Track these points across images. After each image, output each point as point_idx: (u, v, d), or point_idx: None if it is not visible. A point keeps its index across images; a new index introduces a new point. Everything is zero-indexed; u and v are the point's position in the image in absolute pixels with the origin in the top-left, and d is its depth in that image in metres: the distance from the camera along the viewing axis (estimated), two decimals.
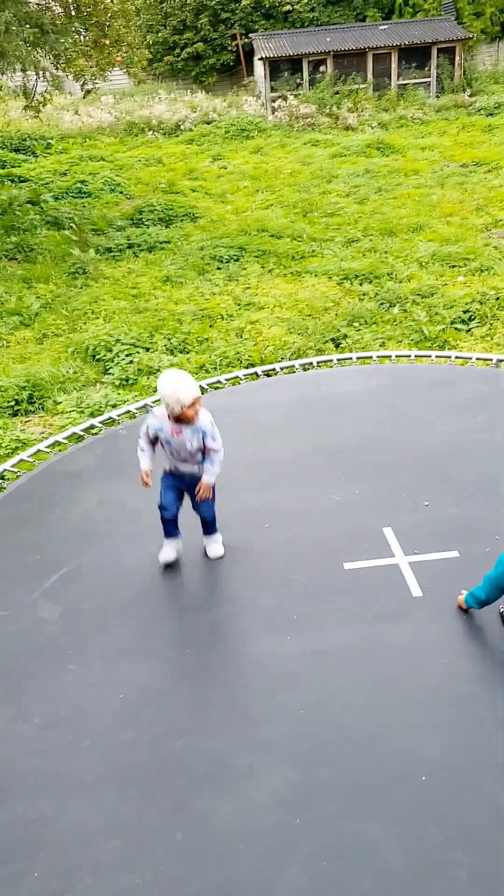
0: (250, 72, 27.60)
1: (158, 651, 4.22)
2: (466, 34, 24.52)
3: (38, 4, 13.48)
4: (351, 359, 7.65)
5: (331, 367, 7.51)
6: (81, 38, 14.30)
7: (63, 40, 13.13)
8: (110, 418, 6.78)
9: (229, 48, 27.67)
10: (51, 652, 4.26)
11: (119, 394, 7.58)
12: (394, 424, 6.29)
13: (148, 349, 8.58)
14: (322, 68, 24.37)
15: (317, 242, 12.02)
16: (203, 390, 7.14)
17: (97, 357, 8.49)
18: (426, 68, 24.52)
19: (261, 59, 24.17)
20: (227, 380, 7.40)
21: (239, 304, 9.81)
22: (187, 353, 8.53)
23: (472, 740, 3.58)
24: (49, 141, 21.06)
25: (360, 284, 10.10)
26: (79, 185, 15.85)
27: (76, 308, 9.96)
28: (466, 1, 26.21)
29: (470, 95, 23.32)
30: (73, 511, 5.48)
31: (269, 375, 7.54)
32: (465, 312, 8.87)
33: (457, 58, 24.48)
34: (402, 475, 5.54)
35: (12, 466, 6.12)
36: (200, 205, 14.72)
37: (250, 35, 26.31)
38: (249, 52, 26.98)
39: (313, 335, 8.64)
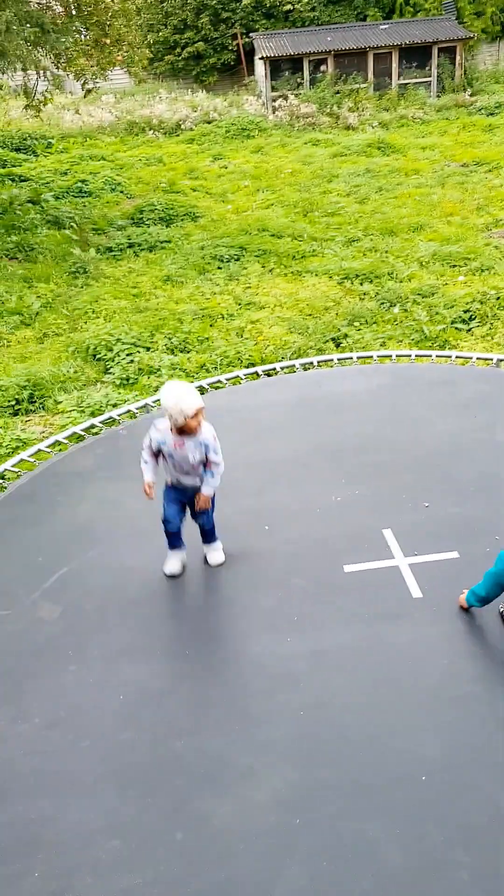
0: (251, 71, 27.58)
1: (158, 651, 4.22)
2: (467, 34, 24.50)
3: (38, 4, 13.47)
4: (351, 358, 7.64)
5: (331, 366, 7.51)
6: (82, 37, 14.28)
7: (64, 39, 13.12)
8: (111, 418, 6.77)
9: (230, 47, 27.64)
10: (51, 652, 4.26)
11: (120, 393, 7.58)
12: (394, 424, 6.29)
13: (148, 348, 8.58)
14: (323, 68, 24.35)
15: (317, 242, 12.02)
16: (203, 390, 7.14)
17: (98, 356, 8.49)
18: (427, 68, 24.50)
19: (261, 58, 24.15)
20: (227, 379, 7.40)
21: (239, 304, 9.80)
22: (188, 352, 8.53)
23: (472, 740, 3.58)
24: (50, 140, 21.05)
25: (361, 284, 10.10)
26: (79, 184, 15.84)
27: (77, 307, 9.96)
28: (467, 0, 26.18)
29: (470, 95, 23.30)
30: (74, 511, 5.48)
31: (269, 375, 7.54)
32: (465, 312, 8.87)
33: (457, 57, 24.45)
34: (402, 475, 5.54)
35: (13, 466, 6.12)
36: (201, 204, 14.72)
37: (251, 34, 26.29)
38: (250, 52, 26.95)
39: (314, 335, 8.64)
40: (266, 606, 4.43)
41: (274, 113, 23.08)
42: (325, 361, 7.62)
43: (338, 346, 8.50)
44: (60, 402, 7.53)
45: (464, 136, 19.16)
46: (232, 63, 28.10)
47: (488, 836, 3.18)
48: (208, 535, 4.71)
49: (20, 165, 18.05)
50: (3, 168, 17.64)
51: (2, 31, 11.43)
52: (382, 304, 9.36)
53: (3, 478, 6.02)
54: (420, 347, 8.21)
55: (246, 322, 9.16)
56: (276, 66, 24.43)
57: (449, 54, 24.42)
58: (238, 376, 7.46)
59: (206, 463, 4.33)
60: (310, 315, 9.28)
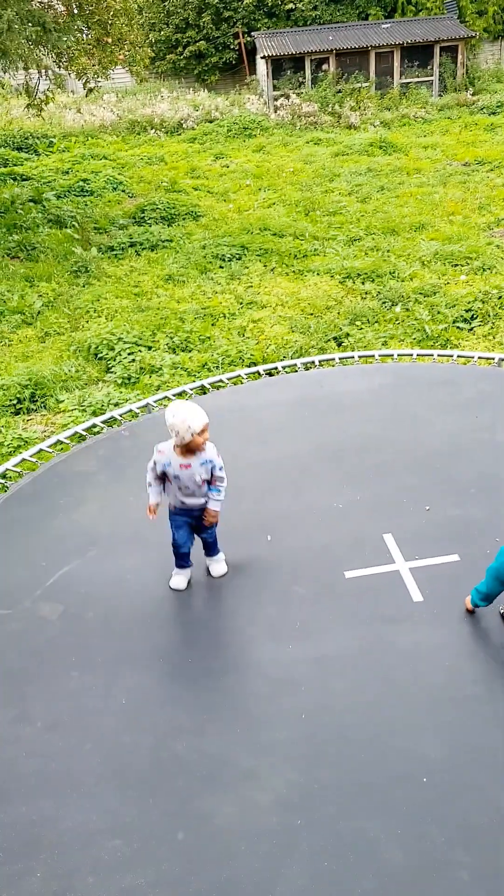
0: (253, 70, 27.58)
1: (160, 655, 4.22)
2: (469, 33, 24.49)
3: (40, 3, 13.47)
4: (353, 358, 7.64)
5: (333, 365, 7.51)
6: (84, 36, 14.27)
7: (65, 38, 13.12)
8: (112, 417, 6.77)
9: (232, 46, 27.63)
10: (52, 653, 4.26)
11: (121, 392, 7.58)
12: (396, 424, 6.28)
13: (150, 348, 8.58)
14: (324, 67, 24.35)
15: (319, 241, 12.02)
16: (205, 389, 7.14)
17: (99, 355, 8.49)
18: (429, 67, 24.49)
19: (263, 57, 24.15)
20: (229, 378, 7.40)
21: (241, 303, 9.80)
22: (189, 351, 8.53)
23: (473, 741, 3.58)
24: (51, 139, 21.06)
25: (363, 283, 10.10)
26: (81, 183, 15.84)
27: (78, 306, 9.96)
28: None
29: (472, 94, 23.30)
30: (76, 511, 5.48)
31: (271, 374, 7.54)
32: (467, 311, 8.87)
33: (459, 56, 24.45)
34: (403, 477, 5.53)
35: (14, 466, 6.12)
36: (203, 203, 14.72)
37: (253, 33, 26.29)
38: (252, 51, 26.95)
39: (315, 334, 8.64)
40: (268, 613, 4.42)
41: (276, 112, 23.07)
42: (327, 361, 7.62)
43: (339, 345, 8.50)
44: (62, 401, 7.53)
45: (465, 135, 19.15)
46: (234, 62, 28.10)
47: (489, 836, 3.18)
48: (211, 548, 4.70)
49: (22, 164, 18.05)
50: (5, 167, 17.64)
51: (3, 30, 11.42)
52: (384, 303, 9.36)
53: (4, 477, 6.02)
54: (422, 347, 8.21)
55: (247, 321, 9.16)
56: (278, 65, 24.43)
57: (451, 53, 24.42)
58: (240, 375, 7.45)
59: (210, 480, 4.34)
60: (311, 314, 9.28)
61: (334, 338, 8.60)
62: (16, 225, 13.24)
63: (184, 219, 13.81)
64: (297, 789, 3.41)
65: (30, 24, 12.30)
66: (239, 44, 27.47)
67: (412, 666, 4.00)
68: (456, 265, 10.50)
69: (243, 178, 16.63)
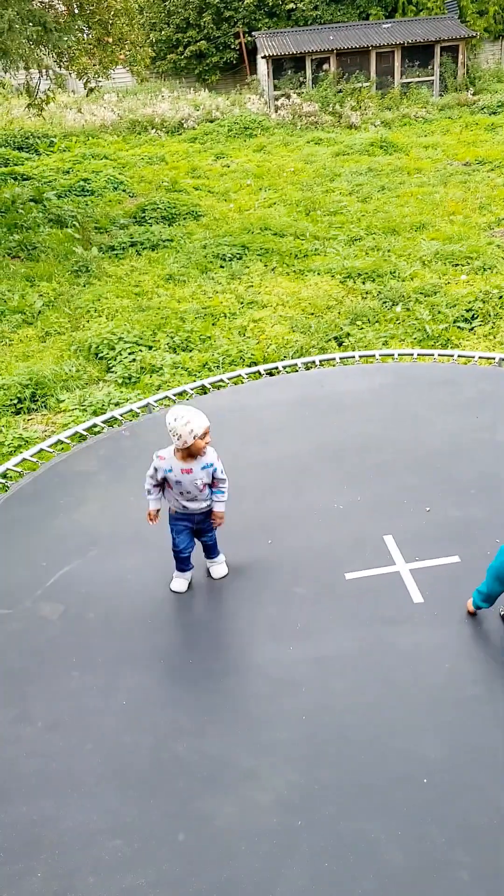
0: (253, 70, 27.57)
1: (160, 656, 4.22)
2: (470, 33, 24.48)
3: (41, 2, 13.46)
4: (354, 357, 7.64)
5: (333, 365, 7.51)
6: (84, 36, 14.27)
7: (66, 38, 13.11)
8: (113, 417, 6.77)
9: (232, 46, 27.61)
10: (53, 652, 4.26)
11: (122, 392, 7.58)
12: (396, 424, 6.28)
13: (151, 347, 8.58)
14: (325, 66, 24.34)
15: (320, 241, 12.02)
16: (205, 389, 7.14)
17: (100, 355, 8.49)
18: (429, 67, 24.48)
19: (264, 57, 24.14)
20: (229, 378, 7.39)
21: (242, 303, 9.80)
22: (190, 351, 8.53)
23: (473, 742, 3.58)
24: (52, 139, 21.06)
25: (363, 283, 10.09)
26: (82, 183, 15.85)
27: (79, 306, 9.96)
28: None
29: (473, 94, 23.29)
30: (77, 511, 5.48)
31: (271, 374, 7.54)
32: (467, 311, 8.87)
33: (460, 56, 24.44)
34: (403, 477, 5.53)
35: (15, 466, 6.12)
36: (203, 203, 14.72)
37: (253, 33, 26.28)
38: (253, 51, 26.94)
39: (316, 333, 8.64)
40: (268, 615, 4.42)
41: (276, 112, 23.07)
42: (328, 360, 7.62)
43: (340, 344, 8.50)
44: (62, 400, 7.53)
45: (466, 135, 19.15)
46: (234, 62, 28.09)
47: (489, 836, 3.18)
48: (211, 550, 4.70)
49: (23, 164, 18.06)
50: (6, 167, 17.64)
51: (4, 29, 11.43)
52: (385, 302, 9.36)
53: (5, 477, 6.02)
54: (422, 346, 8.21)
55: (248, 321, 9.16)
56: (279, 65, 24.42)
57: (451, 53, 24.41)
58: (240, 375, 7.45)
59: (212, 483, 4.34)
60: (312, 314, 9.27)
61: (335, 337, 8.60)
62: (16, 224, 13.24)
63: (184, 218, 13.81)
64: (298, 790, 3.41)
65: (30, 24, 12.30)
66: (240, 43, 27.46)
67: (412, 667, 4.00)
68: (456, 265, 10.50)
69: (244, 177, 16.63)
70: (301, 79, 24.34)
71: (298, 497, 5.42)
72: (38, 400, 7.61)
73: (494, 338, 8.32)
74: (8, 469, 6.07)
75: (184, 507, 4.37)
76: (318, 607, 4.45)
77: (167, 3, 27.32)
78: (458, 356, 7.50)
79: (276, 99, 23.84)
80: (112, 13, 13.78)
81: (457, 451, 5.81)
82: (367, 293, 9.74)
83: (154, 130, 22.51)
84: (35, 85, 14.70)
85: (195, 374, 7.91)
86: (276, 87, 24.31)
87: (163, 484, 4.35)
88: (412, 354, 7.57)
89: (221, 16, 27.21)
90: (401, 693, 3.85)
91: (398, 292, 9.48)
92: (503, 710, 3.70)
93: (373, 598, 4.46)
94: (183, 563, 4.62)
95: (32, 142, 20.68)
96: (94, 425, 6.71)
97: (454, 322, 8.69)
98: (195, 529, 4.51)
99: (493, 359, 7.28)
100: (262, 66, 24.88)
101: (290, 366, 7.62)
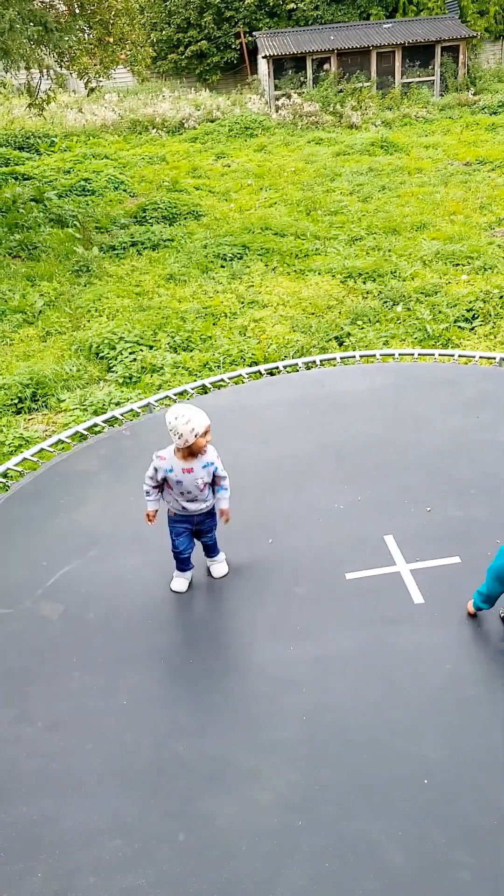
0: (254, 70, 27.57)
1: (161, 656, 4.21)
2: (470, 32, 24.47)
3: (42, 2, 13.46)
4: (354, 357, 7.63)
5: (334, 365, 7.50)
6: (85, 35, 14.27)
7: (67, 38, 13.11)
8: (114, 416, 6.77)
9: (233, 46, 27.62)
10: (53, 652, 4.26)
11: (122, 392, 7.58)
12: (397, 424, 6.27)
13: (151, 347, 8.58)
14: (326, 66, 24.34)
15: (320, 241, 12.01)
16: (206, 389, 7.14)
17: (100, 355, 8.49)
18: (430, 66, 24.48)
19: (265, 57, 24.14)
20: (230, 378, 7.39)
21: (242, 302, 9.80)
22: (191, 351, 8.53)
23: (474, 743, 3.57)
24: (53, 139, 21.06)
25: (364, 283, 10.09)
26: (82, 182, 15.85)
27: (79, 306, 9.96)
28: None
29: (474, 94, 23.28)
30: (77, 511, 5.48)
31: (272, 374, 7.54)
32: (468, 311, 8.86)
33: (461, 56, 24.43)
34: (404, 477, 5.52)
35: (16, 465, 6.12)
36: (204, 203, 14.71)
37: (254, 33, 26.29)
38: (253, 51, 26.95)
39: (317, 333, 8.63)
40: (269, 615, 4.41)
41: (277, 112, 23.07)
42: (328, 360, 7.61)
43: (341, 344, 8.49)
44: (63, 400, 7.53)
45: (467, 134, 19.14)
46: (235, 62, 28.10)
47: (490, 836, 3.18)
48: (211, 550, 4.70)
49: (23, 164, 18.05)
50: (7, 166, 17.64)
51: (5, 29, 11.43)
52: (385, 302, 9.35)
53: (6, 476, 6.02)
54: (423, 346, 8.21)
55: (249, 321, 9.16)
56: (280, 65, 24.43)
57: (452, 53, 24.42)
58: (241, 375, 7.45)
59: (213, 481, 4.33)
60: (313, 314, 9.27)
61: (335, 337, 8.60)
62: (17, 224, 13.24)
63: (185, 218, 13.81)
64: (298, 790, 3.41)
65: (31, 24, 12.30)
66: (240, 43, 27.47)
67: (413, 668, 3.99)
68: (457, 265, 10.50)
69: (245, 177, 16.63)
70: (302, 79, 24.34)
71: (299, 497, 5.41)
72: (38, 399, 7.61)
73: (495, 338, 8.32)
74: (8, 469, 6.07)
75: (183, 507, 4.36)
76: (319, 607, 4.44)
77: (168, 3, 27.33)
78: (459, 356, 7.50)
79: (277, 99, 23.84)
80: (113, 13, 13.78)
81: (458, 451, 5.80)
82: (367, 293, 9.74)
83: (155, 130, 22.51)
84: (36, 85, 14.71)
85: (196, 374, 7.91)
86: (276, 87, 24.31)
87: (162, 485, 4.34)
88: (413, 354, 7.56)
89: (222, 16, 27.22)
90: (402, 693, 3.85)
91: (399, 292, 9.48)
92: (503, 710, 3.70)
93: (373, 599, 4.46)
94: (183, 564, 4.61)
95: (33, 142, 20.68)
96: (95, 425, 6.71)
97: (455, 322, 8.69)
98: (195, 531, 4.50)
99: (494, 359, 7.28)
100: (263, 66, 24.88)
101: (290, 365, 7.61)
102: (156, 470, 4.26)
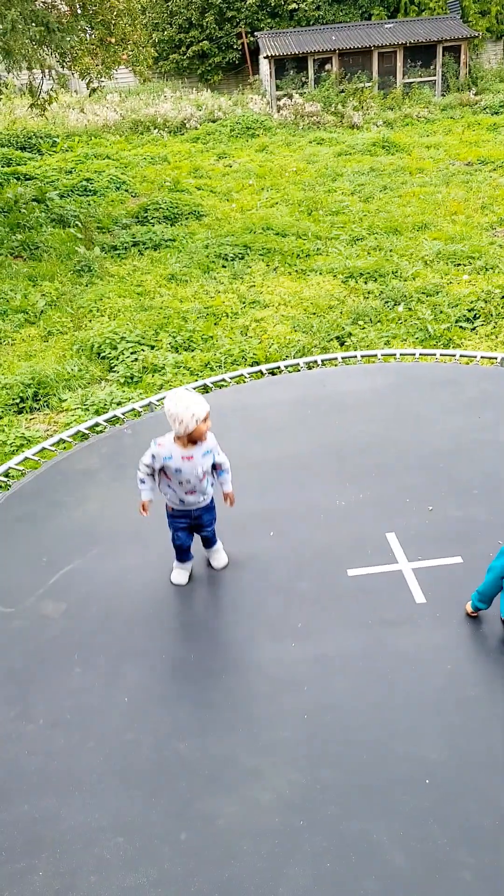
0: (256, 70, 27.58)
1: (162, 654, 4.21)
2: (472, 33, 24.47)
3: (44, 3, 13.47)
4: (356, 357, 7.63)
5: (335, 365, 7.50)
6: (87, 36, 14.28)
7: (69, 38, 13.12)
8: (115, 416, 6.77)
9: (235, 46, 27.63)
10: (55, 651, 4.26)
11: (124, 391, 7.58)
12: (398, 424, 6.27)
13: (153, 347, 8.58)
14: (327, 67, 24.34)
15: (322, 241, 12.01)
16: (208, 388, 7.14)
17: (102, 355, 8.49)
18: (431, 67, 24.48)
19: (266, 57, 24.15)
20: (231, 378, 7.39)
21: (244, 302, 9.80)
22: (192, 350, 8.53)
23: (475, 743, 3.57)
24: (55, 139, 21.07)
25: (365, 283, 10.09)
26: (84, 182, 15.85)
27: (81, 306, 9.96)
28: None
29: (475, 94, 23.28)
30: (78, 510, 5.48)
31: (273, 373, 7.54)
32: (469, 311, 8.86)
33: (462, 56, 24.43)
34: (405, 477, 5.53)
35: (17, 464, 6.12)
36: (205, 203, 14.71)
37: (256, 33, 26.30)
38: (255, 51, 26.96)
39: (318, 333, 8.63)
40: (270, 611, 4.42)
41: (278, 112, 23.07)
42: (330, 360, 7.61)
43: (342, 344, 8.49)
44: (65, 400, 7.53)
45: (468, 135, 19.13)
46: (237, 62, 28.12)
47: (491, 836, 3.18)
48: (210, 541, 4.70)
49: (25, 164, 18.06)
50: (9, 166, 17.65)
51: (7, 30, 11.44)
52: (387, 302, 9.35)
53: (7, 476, 6.02)
54: (424, 346, 8.20)
55: (250, 320, 9.16)
56: (281, 65, 24.43)
57: (453, 53, 24.41)
58: (242, 375, 7.45)
59: (214, 467, 4.31)
60: (314, 314, 9.27)
61: (337, 337, 8.59)
62: (19, 224, 13.25)
63: (187, 218, 13.81)
64: (299, 790, 3.41)
65: (33, 24, 12.30)
66: (242, 44, 27.48)
67: (415, 667, 3.99)
68: (458, 265, 10.49)
69: (246, 177, 16.63)
70: (303, 79, 24.34)
71: (300, 495, 5.41)
72: (40, 399, 7.61)
73: (496, 338, 8.31)
74: (10, 468, 6.07)
75: (181, 501, 4.32)
76: (320, 604, 4.44)
77: (170, 4, 27.34)
78: (461, 356, 7.50)
79: (279, 99, 23.84)
80: (115, 13, 13.78)
81: (459, 452, 5.80)
82: (369, 293, 9.74)
83: (156, 130, 22.52)
84: (38, 85, 14.71)
85: (197, 374, 7.91)
86: (278, 87, 24.31)
87: (156, 474, 4.27)
88: (414, 354, 7.56)
89: (224, 16, 27.24)
90: (403, 694, 3.85)
91: (400, 292, 9.47)
92: None
93: (375, 597, 4.46)
94: (183, 554, 4.61)
95: (35, 142, 20.70)
96: (97, 424, 6.71)
97: (456, 322, 8.69)
98: (194, 525, 4.50)
99: (496, 359, 7.28)
100: (265, 67, 24.89)
101: (292, 365, 7.61)
102: (153, 457, 4.18)
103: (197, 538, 4.65)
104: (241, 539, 4.92)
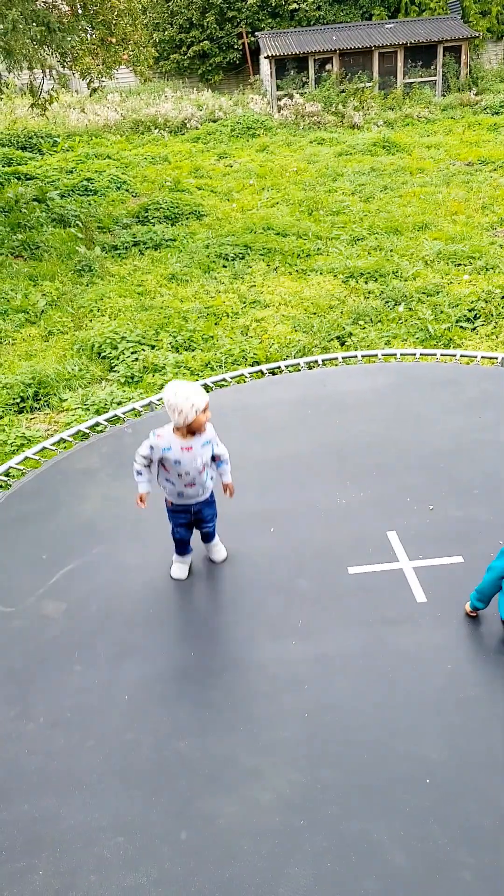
0: (256, 70, 27.58)
1: (163, 653, 4.21)
2: (472, 33, 24.46)
3: (45, 3, 13.47)
4: (356, 357, 7.63)
5: (336, 365, 7.50)
6: (88, 36, 14.27)
7: (70, 38, 13.12)
8: (115, 416, 6.77)
9: (235, 46, 27.63)
10: (55, 650, 4.26)
11: (124, 391, 7.58)
12: (399, 424, 6.27)
13: (153, 347, 8.58)
14: (328, 67, 24.34)
15: (322, 241, 12.01)
16: (208, 388, 7.14)
17: (102, 354, 8.49)
18: (432, 67, 24.47)
19: (267, 57, 24.14)
20: (232, 378, 7.39)
21: (244, 302, 9.80)
22: (192, 350, 8.53)
23: (475, 743, 3.57)
24: (55, 139, 21.07)
25: (366, 283, 10.09)
26: (85, 182, 15.85)
27: (82, 305, 9.96)
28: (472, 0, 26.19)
29: (476, 94, 23.27)
30: (79, 509, 5.48)
31: (274, 373, 7.53)
32: (470, 311, 8.86)
33: (463, 56, 24.42)
34: (406, 476, 5.53)
35: (18, 464, 6.12)
36: (206, 203, 14.71)
37: (256, 33, 26.29)
38: (255, 51, 26.95)
39: (318, 333, 8.63)
40: (270, 609, 4.42)
41: (279, 112, 23.07)
42: (330, 360, 7.61)
43: (343, 344, 8.49)
44: (65, 399, 7.54)
45: (469, 135, 19.13)
46: (237, 62, 28.11)
47: (492, 836, 3.17)
48: (209, 536, 4.70)
49: (26, 164, 18.06)
50: (9, 166, 17.65)
51: (8, 30, 11.44)
52: (387, 302, 9.35)
53: (8, 475, 6.02)
54: (425, 346, 8.20)
55: (251, 320, 9.15)
56: (282, 65, 24.43)
57: (454, 53, 24.41)
58: (243, 374, 7.45)
59: (213, 458, 4.30)
60: (315, 314, 9.27)
61: (337, 337, 8.59)
62: (20, 224, 13.25)
63: (187, 218, 13.81)
64: (299, 789, 3.41)
65: (34, 24, 12.30)
66: (243, 44, 27.47)
67: (415, 667, 3.99)
68: (459, 265, 10.49)
69: (247, 177, 16.63)
70: (304, 79, 24.34)
71: (301, 494, 5.42)
72: (40, 399, 7.61)
73: (497, 338, 8.31)
74: (10, 467, 6.07)
75: (180, 494, 4.31)
76: (321, 602, 4.45)
77: (170, 4, 27.34)
78: (461, 356, 7.50)
79: (279, 99, 23.84)
80: (115, 13, 13.78)
81: (460, 451, 5.80)
82: (369, 293, 9.74)
83: (157, 130, 22.52)
84: (38, 85, 14.72)
85: (198, 374, 7.91)
86: (278, 88, 24.31)
87: (153, 465, 4.25)
88: (415, 354, 7.56)
89: (224, 16, 27.24)
90: (403, 693, 3.85)
91: (401, 292, 9.47)
92: None
93: (376, 596, 4.46)
94: (182, 547, 4.62)
95: (36, 141, 20.70)
96: (97, 424, 6.71)
97: (457, 322, 8.68)
98: (194, 520, 4.50)
99: (496, 359, 7.28)
100: (265, 67, 24.88)
101: (292, 365, 7.61)
102: (151, 448, 4.16)
103: (196, 533, 4.65)
104: (241, 538, 4.92)
